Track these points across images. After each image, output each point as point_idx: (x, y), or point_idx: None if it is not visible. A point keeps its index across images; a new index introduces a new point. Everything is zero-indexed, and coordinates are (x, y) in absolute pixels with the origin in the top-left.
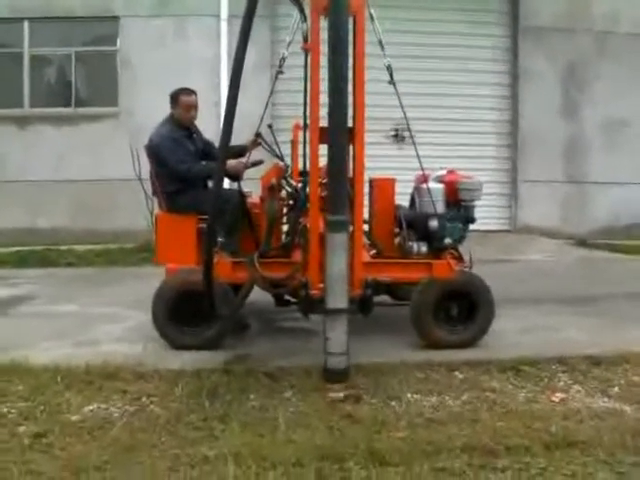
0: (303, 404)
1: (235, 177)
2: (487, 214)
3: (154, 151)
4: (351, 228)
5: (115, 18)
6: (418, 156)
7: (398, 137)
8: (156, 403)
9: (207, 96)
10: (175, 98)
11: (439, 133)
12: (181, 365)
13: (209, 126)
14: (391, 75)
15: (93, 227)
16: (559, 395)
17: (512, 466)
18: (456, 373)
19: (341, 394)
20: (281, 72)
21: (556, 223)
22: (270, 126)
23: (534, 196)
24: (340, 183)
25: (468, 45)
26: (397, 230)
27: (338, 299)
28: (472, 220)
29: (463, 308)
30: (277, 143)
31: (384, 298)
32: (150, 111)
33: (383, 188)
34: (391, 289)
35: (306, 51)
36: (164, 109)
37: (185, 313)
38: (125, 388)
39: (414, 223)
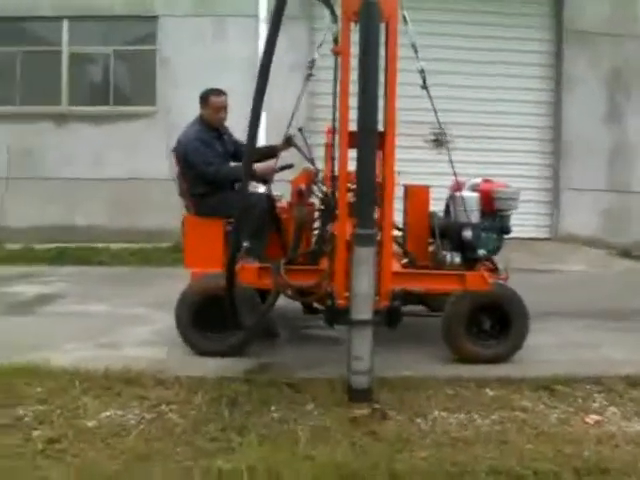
0: (325, 418)
1: (264, 180)
2: (528, 222)
3: (181, 152)
4: (379, 236)
5: (154, 17)
6: (451, 161)
7: (438, 141)
8: (174, 411)
9: (244, 97)
10: (205, 99)
11: (480, 139)
12: (203, 372)
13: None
14: (424, 79)
15: (129, 226)
16: (593, 417)
17: None
18: (487, 390)
19: (365, 410)
20: (311, 75)
21: (599, 233)
22: (301, 129)
23: (576, 204)
24: (368, 194)
25: (510, 49)
26: (432, 239)
27: (363, 310)
28: (508, 230)
29: (496, 322)
30: (308, 146)
31: (419, 308)
32: (187, 110)
33: (417, 195)
34: (425, 299)
35: (336, 54)
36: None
37: (209, 319)
38: (144, 394)
39: (448, 232)
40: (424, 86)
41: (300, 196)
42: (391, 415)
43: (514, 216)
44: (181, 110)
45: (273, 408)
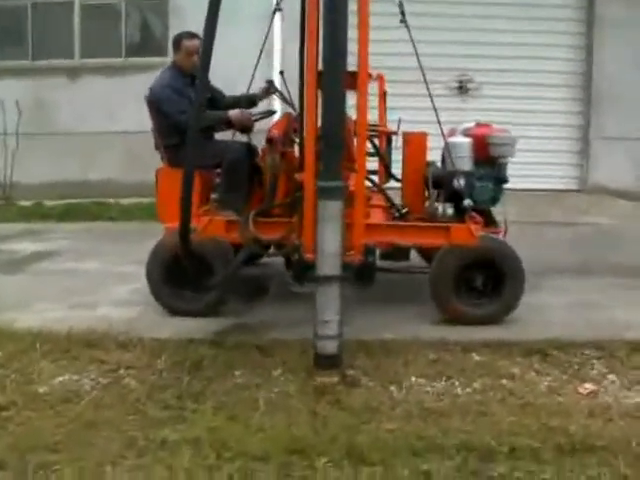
0: (290, 385)
1: (244, 129)
2: (555, 172)
3: (153, 101)
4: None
5: None
6: (434, 108)
7: (462, 89)
8: (132, 376)
9: (258, 45)
10: (177, 43)
11: (505, 85)
12: (169, 334)
13: (260, 77)
14: (402, 13)
15: (143, 180)
16: (588, 386)
17: (510, 474)
18: (473, 355)
19: (335, 378)
20: (279, 9)
21: (631, 183)
22: (282, 72)
23: (608, 154)
24: (333, 141)
25: None
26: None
27: (330, 265)
28: (505, 179)
29: (488, 279)
30: (289, 91)
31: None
32: None
33: (414, 143)
34: (424, 253)
35: None
36: (218, 63)
37: (182, 276)
38: (103, 358)
39: (441, 182)
40: (403, 20)
41: (271, 143)
42: (362, 382)
43: (542, 167)
44: None
45: (237, 373)
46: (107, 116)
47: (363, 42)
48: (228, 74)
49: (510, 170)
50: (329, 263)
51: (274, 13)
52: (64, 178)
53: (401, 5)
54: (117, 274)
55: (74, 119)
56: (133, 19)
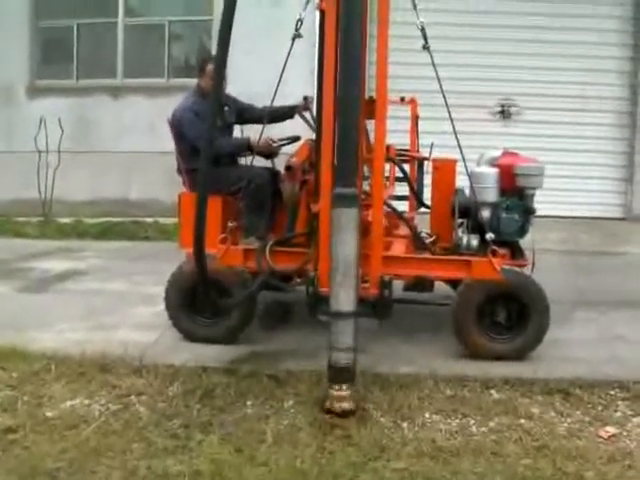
0: (301, 417)
1: (267, 155)
2: (599, 200)
3: (175, 125)
4: (369, 217)
5: None
6: (455, 132)
7: (505, 113)
8: (143, 402)
9: (302, 63)
10: (202, 66)
11: (549, 110)
12: (184, 361)
13: (303, 94)
14: (425, 38)
15: None
16: (610, 430)
17: None
18: (492, 392)
19: (346, 392)
20: (299, 35)
21: None
22: (306, 98)
23: None
24: (349, 152)
25: (585, 14)
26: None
27: (344, 299)
28: (532, 211)
29: (512, 314)
30: (313, 117)
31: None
32: (243, 80)
33: (442, 170)
34: (452, 282)
35: (322, 11)
36: (259, 78)
37: (200, 302)
38: (116, 383)
39: (467, 212)
40: (426, 46)
41: (291, 171)
42: (375, 417)
43: (585, 194)
44: (237, 79)
45: (249, 403)
46: (148, 135)
47: (382, 72)
48: (267, 89)
49: (552, 197)
50: (343, 297)
51: (293, 39)
52: (104, 196)
53: (423, 30)
54: (142, 295)
55: (115, 138)
56: (177, 39)
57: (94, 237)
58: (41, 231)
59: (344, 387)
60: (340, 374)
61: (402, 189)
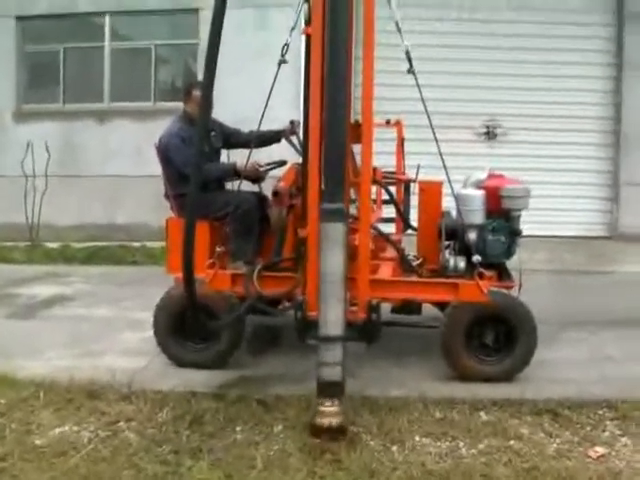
0: (291, 442)
1: (254, 179)
2: (584, 219)
3: (162, 150)
4: (356, 241)
5: (195, 10)
6: (441, 154)
7: (490, 134)
8: (132, 428)
9: (287, 87)
10: (188, 93)
11: (534, 131)
12: (173, 386)
13: (289, 118)
14: (410, 62)
15: None
16: (599, 450)
17: None
18: (481, 414)
19: (336, 408)
20: (284, 61)
21: None
22: (293, 122)
23: (638, 200)
24: (336, 168)
25: (568, 35)
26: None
27: (333, 323)
28: (518, 232)
29: (500, 336)
30: (300, 140)
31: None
32: (229, 104)
33: (429, 193)
34: (440, 304)
35: (308, 36)
36: (245, 101)
37: (189, 328)
38: (105, 409)
39: (454, 234)
40: (410, 70)
41: (278, 196)
42: (365, 440)
43: (570, 213)
44: (223, 103)
45: (238, 428)
46: (135, 159)
47: (367, 94)
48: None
49: (538, 217)
50: (331, 322)
51: (279, 64)
52: (91, 220)
53: (408, 54)
54: (129, 321)
55: (102, 161)
56: (163, 63)
57: (81, 262)
58: (28, 256)
59: (333, 402)
60: (329, 389)
61: (389, 211)
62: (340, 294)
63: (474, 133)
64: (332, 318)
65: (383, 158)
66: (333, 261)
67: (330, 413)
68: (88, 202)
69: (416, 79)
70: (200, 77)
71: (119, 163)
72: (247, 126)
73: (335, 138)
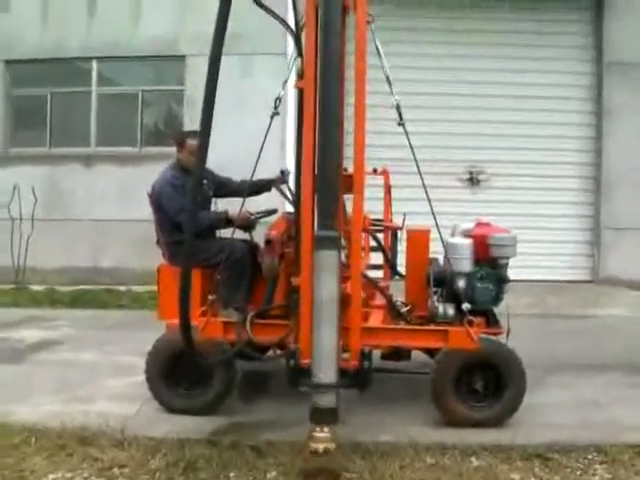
0: None
1: (245, 227)
2: (567, 263)
3: (155, 198)
4: (348, 288)
5: (182, 57)
6: (430, 201)
7: (473, 180)
8: (125, 475)
9: (274, 135)
10: (181, 142)
11: (516, 177)
12: (165, 433)
13: (275, 166)
14: (400, 115)
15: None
16: None
17: None
18: (472, 459)
19: (327, 445)
20: (277, 113)
21: None
22: (283, 172)
23: (619, 244)
24: (330, 186)
25: (549, 83)
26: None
27: (326, 372)
28: (506, 279)
29: (489, 382)
30: (290, 190)
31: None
32: (215, 150)
33: (416, 240)
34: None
35: (300, 90)
36: (230, 148)
37: (181, 375)
38: (98, 456)
39: (442, 281)
40: (401, 123)
41: (269, 245)
42: None
43: (553, 258)
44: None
45: (232, 475)
46: (120, 203)
47: (360, 146)
48: (239, 159)
49: (521, 261)
50: (325, 370)
51: (272, 117)
52: (77, 264)
53: (398, 108)
54: (115, 366)
55: (87, 206)
56: (149, 108)
57: (67, 305)
58: (14, 299)
59: (326, 429)
60: (323, 415)
61: (376, 257)
62: (333, 321)
63: (457, 179)
64: (326, 367)
65: (370, 204)
66: (327, 288)
67: (323, 438)
68: (74, 246)
69: (406, 132)
70: (185, 123)
71: (105, 207)
72: (230, 171)
73: (329, 162)
